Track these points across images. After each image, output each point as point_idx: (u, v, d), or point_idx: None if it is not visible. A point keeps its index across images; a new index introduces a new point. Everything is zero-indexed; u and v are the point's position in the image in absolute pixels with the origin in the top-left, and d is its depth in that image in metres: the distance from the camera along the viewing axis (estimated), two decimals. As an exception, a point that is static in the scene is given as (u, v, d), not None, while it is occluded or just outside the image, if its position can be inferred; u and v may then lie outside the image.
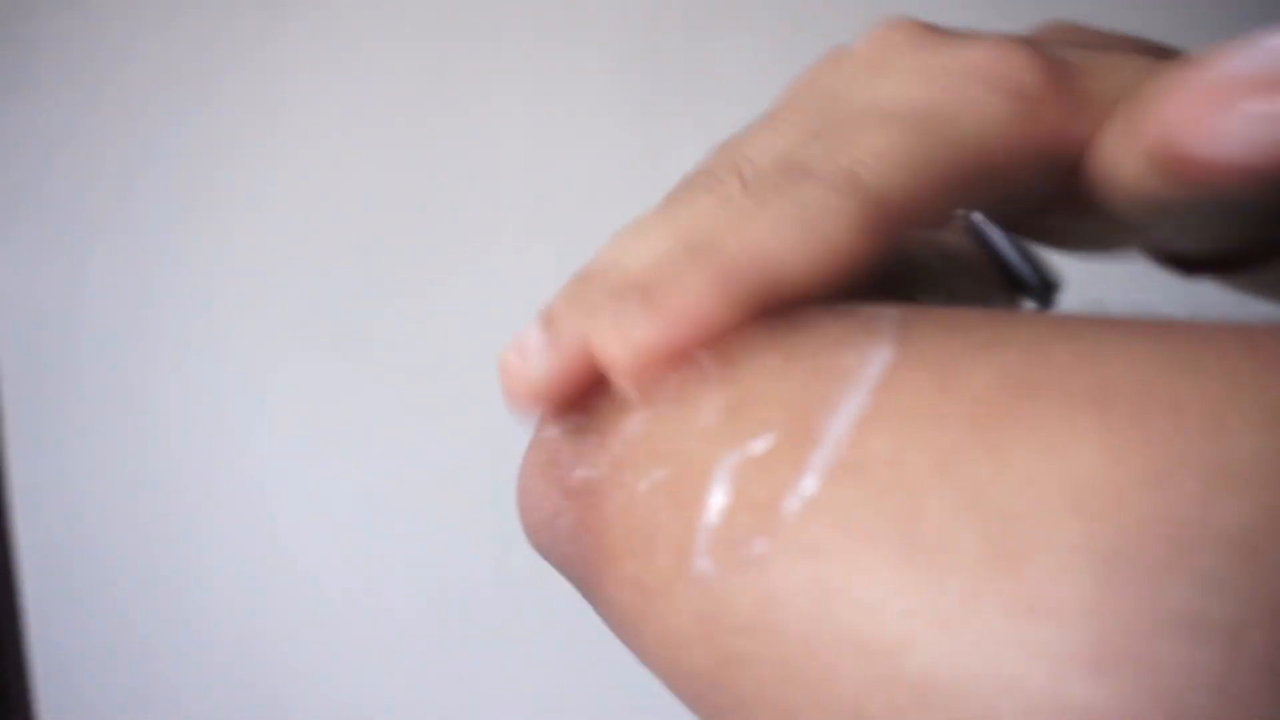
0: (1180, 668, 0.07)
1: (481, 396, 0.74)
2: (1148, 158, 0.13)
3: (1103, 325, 0.10)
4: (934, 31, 0.17)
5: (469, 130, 0.72)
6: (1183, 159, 0.12)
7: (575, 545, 0.15)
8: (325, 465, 0.74)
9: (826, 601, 0.10)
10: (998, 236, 0.25)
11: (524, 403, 0.15)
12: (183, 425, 0.73)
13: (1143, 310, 0.11)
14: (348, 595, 0.75)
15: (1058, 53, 0.15)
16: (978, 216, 0.28)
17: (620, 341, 0.13)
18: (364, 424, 0.74)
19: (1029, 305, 0.21)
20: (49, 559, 0.74)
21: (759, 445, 0.11)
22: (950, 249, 0.20)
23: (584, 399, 0.15)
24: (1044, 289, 0.23)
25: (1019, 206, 0.16)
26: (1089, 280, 0.20)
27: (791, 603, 0.10)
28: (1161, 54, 0.15)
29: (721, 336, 0.12)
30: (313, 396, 0.73)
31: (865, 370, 0.11)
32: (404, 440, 0.74)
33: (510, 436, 0.77)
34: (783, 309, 0.13)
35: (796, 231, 0.13)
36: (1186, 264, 0.21)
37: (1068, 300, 0.18)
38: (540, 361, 0.15)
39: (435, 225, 0.72)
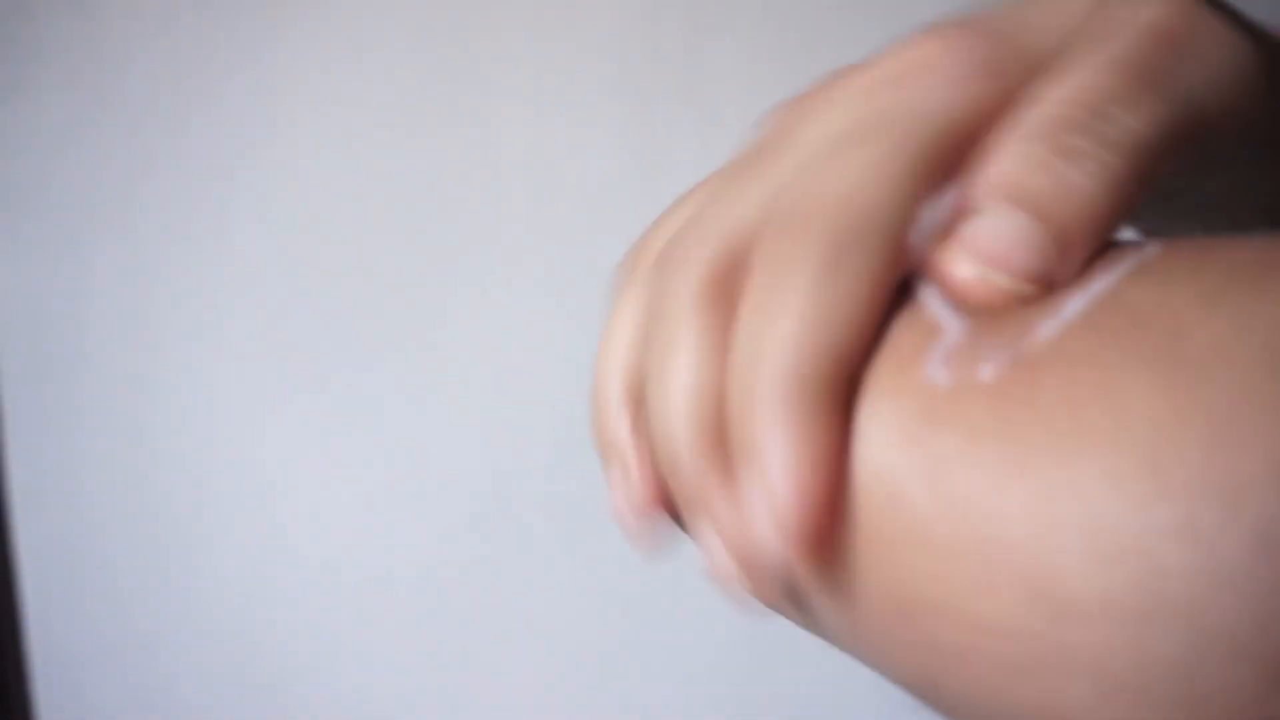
0: None
1: (483, 394, 0.74)
2: None
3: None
4: (861, 68, 0.16)
5: (469, 130, 0.72)
6: None
7: None
8: (327, 464, 0.74)
9: (1077, 402, 0.10)
10: None
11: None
12: (183, 424, 0.73)
13: None
14: (349, 594, 0.75)
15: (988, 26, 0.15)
16: None
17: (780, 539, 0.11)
18: (366, 422, 0.74)
19: None
20: (49, 558, 0.74)
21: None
22: None
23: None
24: None
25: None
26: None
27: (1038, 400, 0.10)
28: None
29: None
30: (314, 395, 0.73)
31: (1135, 252, 0.11)
32: (406, 438, 0.74)
33: (510, 434, 0.77)
34: None
35: (827, 319, 0.12)
36: None
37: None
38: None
39: (436, 224, 0.72)
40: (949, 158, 0.13)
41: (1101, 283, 0.11)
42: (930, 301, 0.12)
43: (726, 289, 0.13)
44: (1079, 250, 0.12)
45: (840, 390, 0.11)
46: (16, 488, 0.74)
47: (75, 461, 0.73)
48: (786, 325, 0.12)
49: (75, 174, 0.71)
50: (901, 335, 0.12)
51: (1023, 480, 0.10)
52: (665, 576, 0.73)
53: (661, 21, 0.71)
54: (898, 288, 0.13)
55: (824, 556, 0.11)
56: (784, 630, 0.18)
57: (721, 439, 0.12)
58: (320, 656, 0.76)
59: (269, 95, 0.71)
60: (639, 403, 0.15)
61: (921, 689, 0.12)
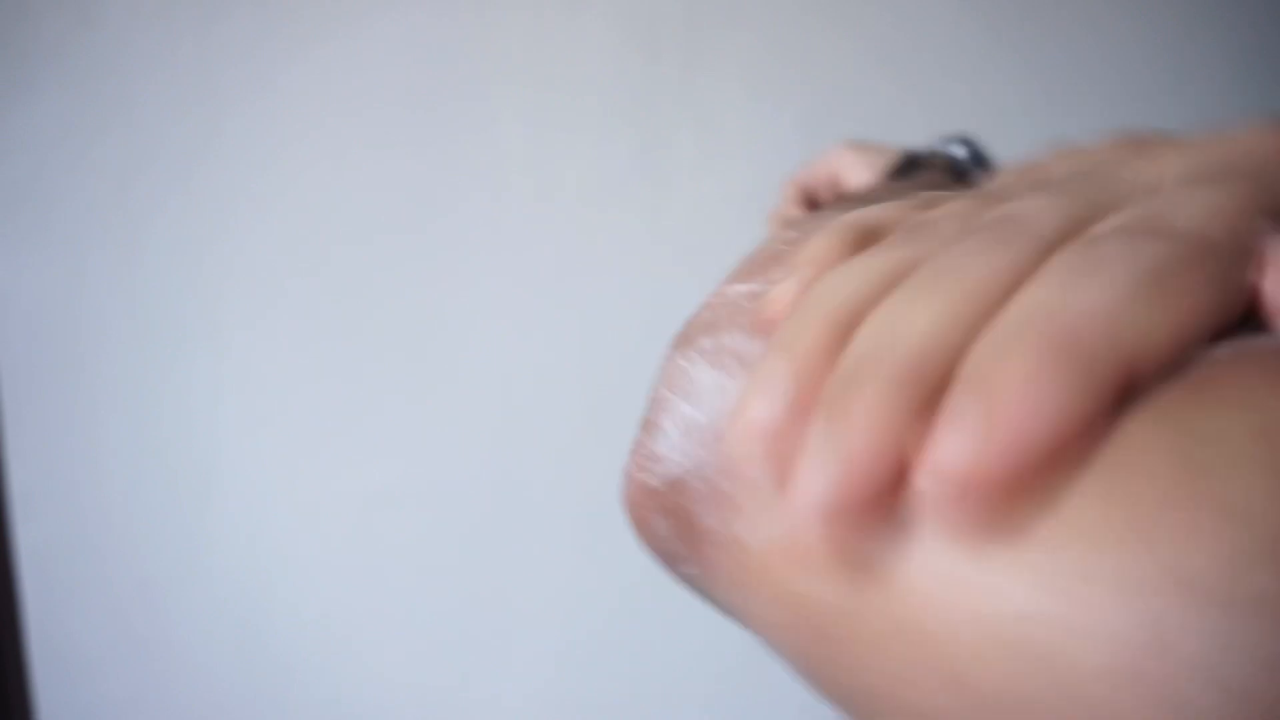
0: None
1: (483, 394, 0.74)
2: None
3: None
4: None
5: (470, 132, 0.72)
6: None
7: None
8: (326, 465, 0.74)
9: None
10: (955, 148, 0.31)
11: (812, 522, 0.11)
12: (183, 424, 0.73)
13: None
14: (349, 593, 0.75)
15: None
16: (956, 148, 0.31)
17: (962, 464, 0.10)
18: (366, 422, 0.74)
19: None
20: (49, 558, 0.74)
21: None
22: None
23: None
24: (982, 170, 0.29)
25: None
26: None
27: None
28: None
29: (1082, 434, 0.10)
30: (313, 396, 0.73)
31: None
32: (407, 437, 0.74)
33: (511, 434, 0.77)
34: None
35: (1153, 296, 0.11)
36: None
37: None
38: (827, 476, 0.11)
39: (436, 225, 0.72)
40: None
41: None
42: None
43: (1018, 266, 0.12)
44: None
45: (1108, 397, 0.10)
46: (16, 488, 0.74)
47: (75, 461, 0.73)
48: (1084, 300, 0.11)
49: (75, 174, 0.71)
50: None
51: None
52: (665, 576, 0.73)
53: (661, 26, 0.71)
54: None
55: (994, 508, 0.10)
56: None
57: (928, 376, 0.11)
58: (320, 655, 0.76)
59: (270, 96, 0.71)
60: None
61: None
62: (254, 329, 0.73)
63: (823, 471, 0.11)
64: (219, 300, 0.72)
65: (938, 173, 0.32)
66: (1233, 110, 0.73)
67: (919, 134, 0.73)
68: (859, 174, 0.37)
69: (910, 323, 0.11)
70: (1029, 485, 0.10)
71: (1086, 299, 0.11)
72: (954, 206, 0.15)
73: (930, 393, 0.11)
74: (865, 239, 0.14)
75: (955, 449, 0.10)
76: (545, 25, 0.71)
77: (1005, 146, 0.76)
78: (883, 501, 0.11)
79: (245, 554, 0.74)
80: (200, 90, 0.70)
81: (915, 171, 0.33)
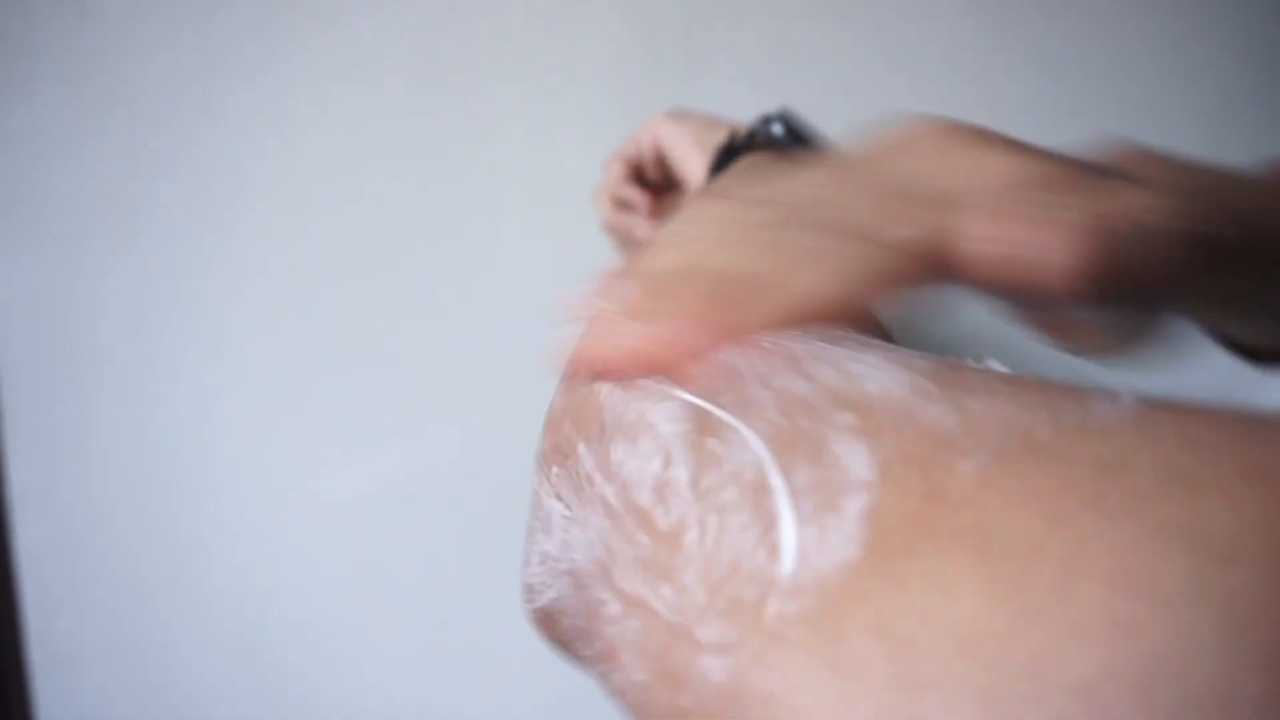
0: None
1: (482, 395, 0.74)
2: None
3: (991, 466, 0.11)
4: (973, 136, 0.19)
5: (469, 131, 0.71)
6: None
7: None
8: (325, 465, 0.74)
9: (769, 708, 0.11)
10: (776, 128, 0.34)
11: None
12: (183, 424, 0.73)
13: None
14: (348, 596, 0.75)
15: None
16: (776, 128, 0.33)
17: (611, 345, 0.16)
18: (364, 424, 0.74)
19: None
20: (49, 558, 0.74)
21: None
22: None
23: None
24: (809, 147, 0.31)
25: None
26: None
27: (745, 706, 0.11)
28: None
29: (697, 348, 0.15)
30: (313, 396, 0.73)
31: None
32: (404, 440, 0.74)
33: (509, 436, 0.77)
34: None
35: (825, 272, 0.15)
36: (1254, 355, 0.24)
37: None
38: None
39: (437, 226, 0.72)
40: None
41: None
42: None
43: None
44: None
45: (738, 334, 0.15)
46: (16, 488, 0.74)
47: (75, 462, 0.73)
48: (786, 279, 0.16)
49: (75, 174, 0.71)
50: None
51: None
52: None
53: (660, 30, 0.71)
54: None
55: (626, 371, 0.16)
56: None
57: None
58: (320, 656, 0.76)
59: (270, 96, 0.71)
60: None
61: None
62: (253, 329, 0.73)
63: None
64: (218, 300, 0.72)
65: (761, 153, 0.34)
66: (1239, 106, 0.73)
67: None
68: (682, 147, 0.38)
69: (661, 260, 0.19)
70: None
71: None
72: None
73: None
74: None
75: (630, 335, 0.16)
76: (545, 23, 0.71)
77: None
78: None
79: (245, 554, 0.74)
80: (200, 89, 0.70)
81: (738, 155, 0.34)
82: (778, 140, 0.35)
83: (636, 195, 0.41)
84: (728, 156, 0.34)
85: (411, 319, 0.73)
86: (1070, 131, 0.73)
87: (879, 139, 0.20)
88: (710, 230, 0.18)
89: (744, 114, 0.73)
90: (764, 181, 0.19)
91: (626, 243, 0.42)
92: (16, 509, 0.74)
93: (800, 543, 0.11)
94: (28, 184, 0.71)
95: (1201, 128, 0.73)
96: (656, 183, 0.42)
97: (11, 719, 0.75)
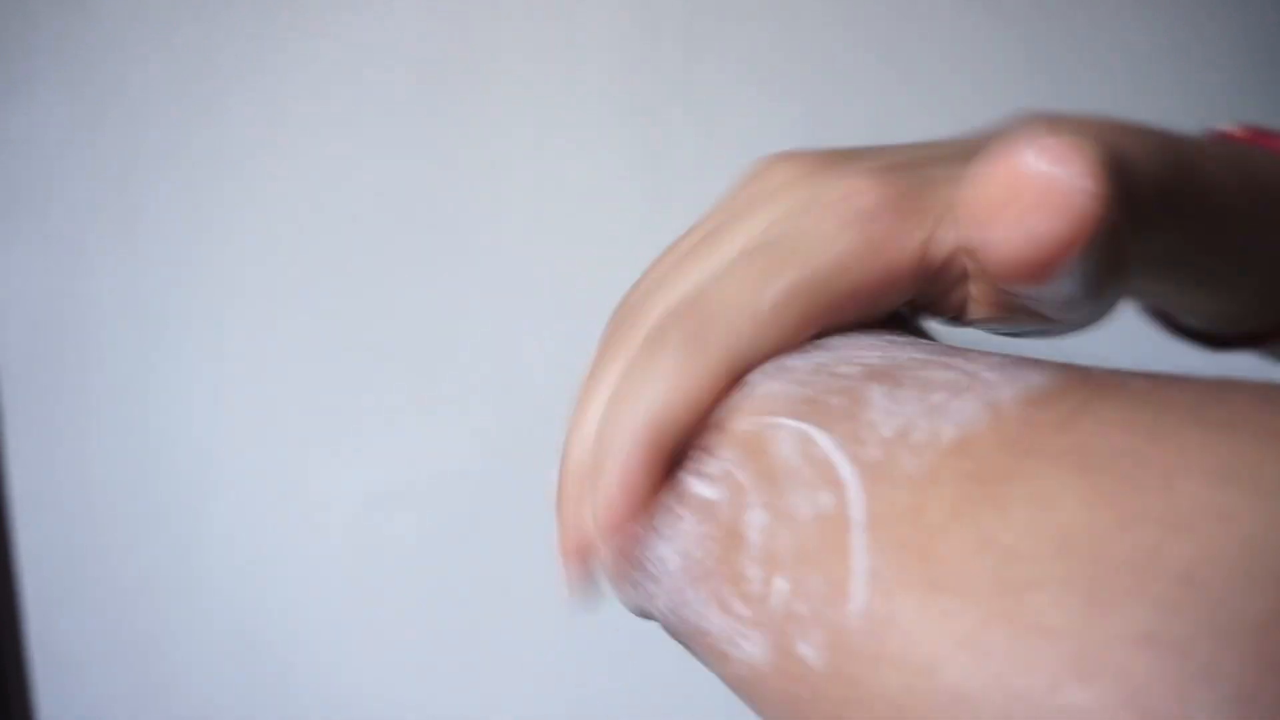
0: (1145, 675, 0.09)
1: (482, 396, 0.74)
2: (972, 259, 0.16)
3: (1090, 400, 0.12)
4: (820, 163, 0.19)
5: (470, 134, 0.72)
6: (991, 262, 0.15)
7: None
8: (326, 466, 0.74)
9: (876, 631, 0.11)
10: None
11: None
12: (184, 424, 0.73)
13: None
14: (349, 596, 0.75)
15: (910, 173, 0.17)
16: None
17: (591, 529, 0.17)
18: (365, 424, 0.74)
19: None
20: (49, 559, 0.74)
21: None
22: None
23: None
24: None
25: (924, 305, 0.19)
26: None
27: (852, 637, 0.12)
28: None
29: (651, 492, 0.16)
30: (313, 396, 0.73)
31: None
32: (404, 440, 0.74)
33: (509, 436, 0.77)
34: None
35: (663, 389, 0.16)
36: (1206, 339, 0.25)
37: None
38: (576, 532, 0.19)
39: (437, 226, 0.72)
40: (837, 301, 0.16)
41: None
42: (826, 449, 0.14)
43: (640, 358, 0.17)
44: None
45: (669, 449, 0.16)
46: (16, 488, 0.74)
47: (76, 462, 0.73)
48: (643, 398, 0.16)
49: (75, 174, 0.71)
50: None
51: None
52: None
53: (661, 26, 0.71)
54: None
55: (622, 547, 0.16)
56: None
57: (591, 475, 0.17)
58: (320, 656, 0.76)
59: (271, 96, 0.71)
60: None
61: None
62: (254, 329, 0.73)
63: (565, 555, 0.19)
64: (219, 300, 0.72)
65: None
66: (1240, 104, 0.73)
67: (923, 127, 0.73)
68: None
69: (579, 431, 0.18)
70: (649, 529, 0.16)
71: (636, 396, 0.16)
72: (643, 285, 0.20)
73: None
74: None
75: (596, 517, 0.16)
76: (545, 24, 0.71)
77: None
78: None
79: (245, 555, 0.74)
80: (201, 89, 0.71)
81: None
82: None
83: None
84: None
85: (413, 320, 0.73)
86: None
87: (733, 198, 0.20)
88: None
89: (745, 114, 0.73)
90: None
91: None
92: (17, 509, 0.74)
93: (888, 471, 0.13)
94: (28, 184, 0.71)
95: (1210, 114, 0.73)
96: None
97: (11, 719, 0.75)
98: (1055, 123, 0.18)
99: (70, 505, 0.74)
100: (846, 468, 0.13)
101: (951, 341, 0.17)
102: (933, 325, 0.20)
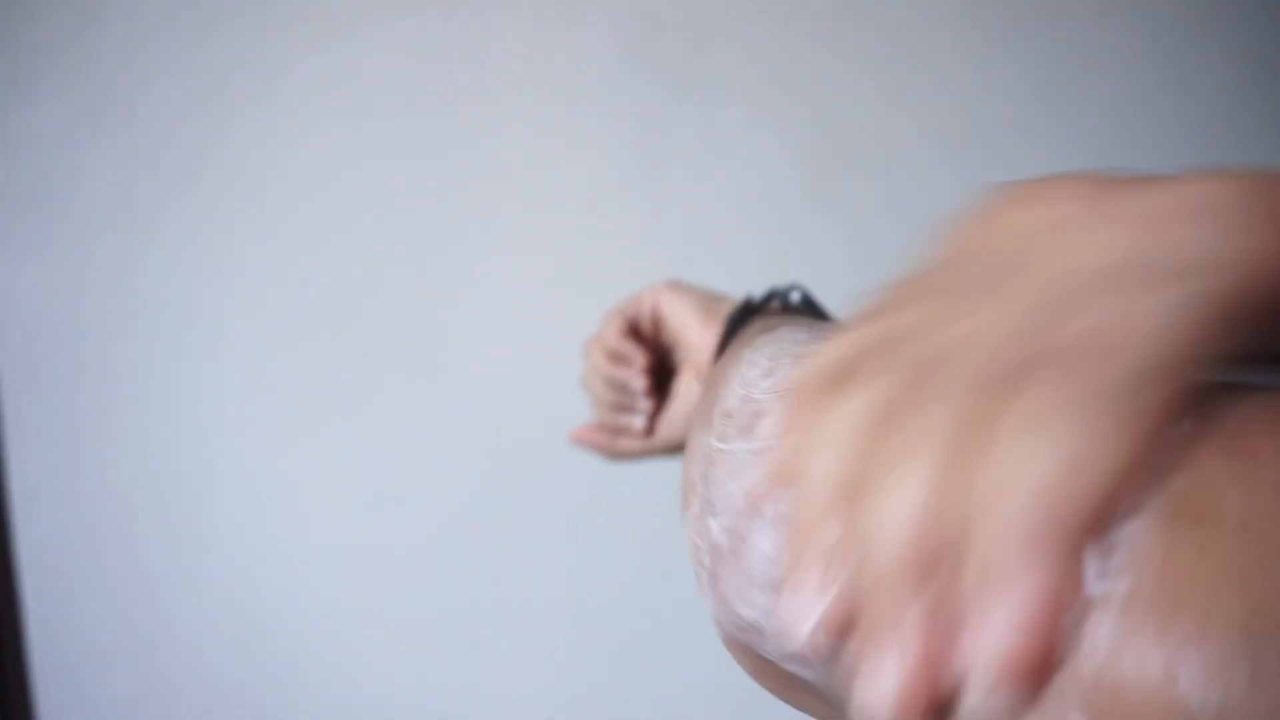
0: None
1: (483, 396, 0.74)
2: None
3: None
4: (1110, 182, 0.15)
5: (470, 135, 0.72)
6: None
7: None
8: (326, 464, 0.74)
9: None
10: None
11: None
12: (183, 426, 0.73)
13: None
14: (346, 596, 0.75)
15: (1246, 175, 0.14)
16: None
17: (1002, 652, 0.12)
18: (365, 424, 0.74)
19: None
20: (50, 558, 0.74)
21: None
22: None
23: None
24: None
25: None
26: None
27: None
28: None
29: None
30: (313, 397, 0.73)
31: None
32: (406, 440, 0.74)
33: (510, 434, 0.77)
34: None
35: (1085, 446, 0.12)
36: None
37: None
38: (898, 680, 0.13)
39: (436, 226, 0.72)
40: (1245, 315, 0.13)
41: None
42: None
43: (989, 410, 0.13)
44: None
45: (1088, 533, 0.12)
46: (16, 488, 0.74)
47: (76, 462, 0.73)
48: (1052, 463, 0.12)
49: (77, 175, 0.71)
50: None
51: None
52: (664, 576, 0.73)
53: (662, 23, 0.71)
54: None
55: (1032, 690, 0.12)
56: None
57: (935, 563, 0.12)
58: (320, 653, 0.76)
59: (270, 95, 0.71)
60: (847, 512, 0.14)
61: None
62: (255, 329, 0.73)
63: (886, 682, 0.12)
64: (220, 301, 0.72)
65: (774, 316, 0.35)
66: (1230, 118, 0.73)
67: (923, 127, 0.73)
68: (683, 314, 0.41)
69: (899, 509, 0.13)
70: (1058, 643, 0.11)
71: (1043, 467, 0.12)
72: (906, 326, 0.15)
73: (945, 572, 0.12)
74: (841, 378, 0.15)
75: (993, 643, 0.11)
76: (545, 31, 0.71)
77: (1003, 146, 0.76)
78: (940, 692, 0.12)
79: (245, 553, 0.74)
80: (203, 92, 0.71)
81: (754, 315, 0.36)
82: (793, 306, 0.37)
83: (634, 350, 0.43)
84: (744, 316, 0.36)
85: (414, 321, 0.73)
86: (1068, 138, 0.73)
87: (960, 236, 0.17)
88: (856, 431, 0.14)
89: (744, 118, 0.73)
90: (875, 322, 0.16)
91: (615, 392, 0.44)
92: (18, 508, 0.74)
93: None
94: (31, 186, 0.71)
95: (1202, 126, 0.73)
96: (648, 342, 0.44)
97: (12, 718, 0.75)
98: None
99: (70, 505, 0.74)
100: None
101: None
102: None
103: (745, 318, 0.36)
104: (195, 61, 0.70)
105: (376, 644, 0.76)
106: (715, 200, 0.71)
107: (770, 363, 0.20)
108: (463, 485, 0.74)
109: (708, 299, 0.42)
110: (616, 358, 0.45)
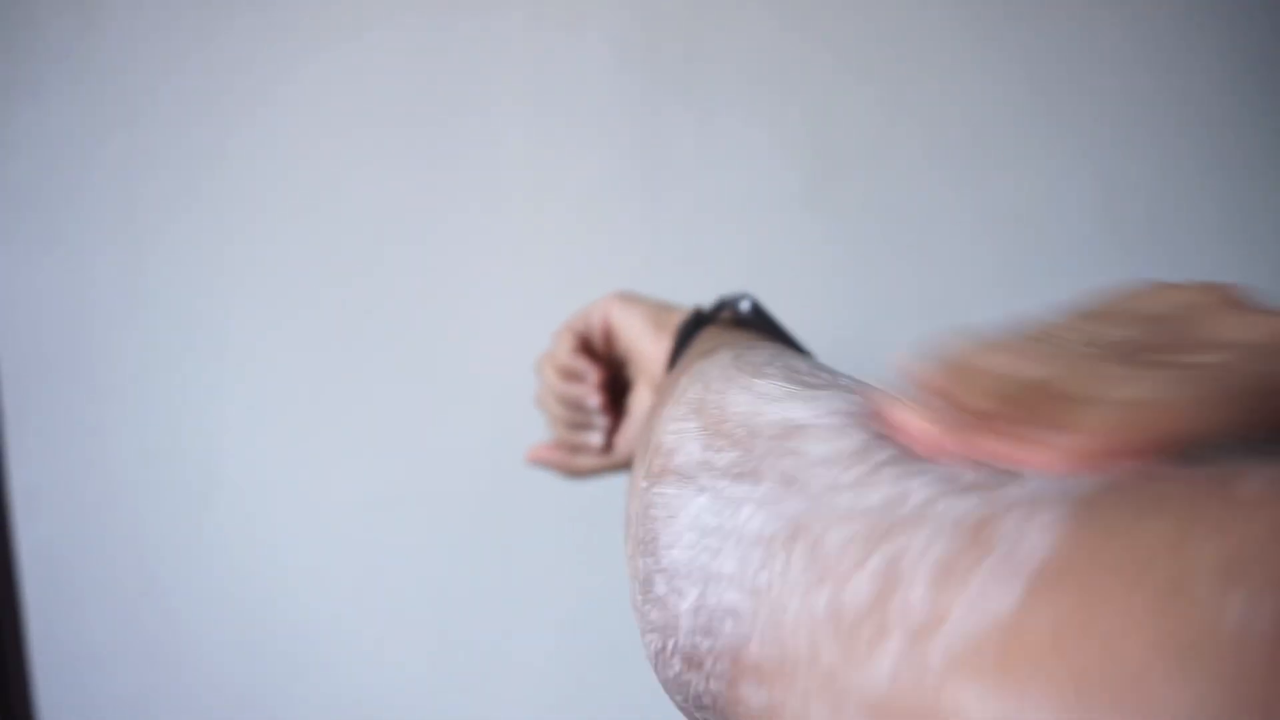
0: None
1: (483, 397, 0.74)
2: None
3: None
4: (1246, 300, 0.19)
5: (471, 137, 0.72)
6: None
7: None
8: (328, 465, 0.74)
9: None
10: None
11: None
12: (183, 426, 0.73)
13: None
14: (347, 596, 0.75)
15: None
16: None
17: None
18: (364, 425, 0.74)
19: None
20: (51, 558, 0.74)
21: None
22: None
23: None
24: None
25: None
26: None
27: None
28: None
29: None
30: (313, 397, 0.73)
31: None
32: (404, 441, 0.74)
33: (508, 437, 0.77)
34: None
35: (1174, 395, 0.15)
36: None
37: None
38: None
39: (436, 226, 0.72)
40: None
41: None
42: None
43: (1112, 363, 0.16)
44: None
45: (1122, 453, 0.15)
46: (17, 487, 0.74)
47: (77, 461, 0.73)
48: (1136, 392, 0.15)
49: (78, 176, 0.71)
50: None
51: None
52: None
53: (661, 24, 0.71)
54: None
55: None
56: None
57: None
58: (322, 654, 0.76)
59: (269, 95, 0.71)
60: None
61: None
62: (257, 330, 0.73)
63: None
64: (221, 301, 0.72)
65: (724, 327, 0.35)
66: (1230, 119, 0.73)
67: (923, 127, 0.73)
68: (636, 326, 0.41)
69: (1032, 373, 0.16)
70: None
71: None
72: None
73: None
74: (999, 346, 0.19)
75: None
76: (545, 34, 0.71)
77: (1001, 149, 0.76)
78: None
79: (247, 553, 0.75)
80: (203, 94, 0.71)
81: (703, 326, 0.36)
82: (743, 316, 0.37)
83: (587, 366, 0.42)
84: (694, 327, 0.36)
85: (415, 321, 0.73)
86: (1066, 141, 0.73)
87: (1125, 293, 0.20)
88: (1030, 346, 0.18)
89: (744, 119, 0.73)
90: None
91: (570, 410, 0.43)
92: (19, 508, 0.74)
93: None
94: (32, 186, 0.71)
95: (1201, 131, 0.73)
96: (601, 357, 0.43)
97: (12, 718, 0.75)
98: None
99: (71, 505, 0.74)
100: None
101: None
102: None
103: (695, 328, 0.36)
104: (198, 63, 0.70)
105: (377, 644, 0.76)
106: (713, 201, 0.71)
107: (697, 398, 0.21)
108: (463, 486, 0.74)
109: (658, 310, 0.41)
110: (570, 375, 0.44)
